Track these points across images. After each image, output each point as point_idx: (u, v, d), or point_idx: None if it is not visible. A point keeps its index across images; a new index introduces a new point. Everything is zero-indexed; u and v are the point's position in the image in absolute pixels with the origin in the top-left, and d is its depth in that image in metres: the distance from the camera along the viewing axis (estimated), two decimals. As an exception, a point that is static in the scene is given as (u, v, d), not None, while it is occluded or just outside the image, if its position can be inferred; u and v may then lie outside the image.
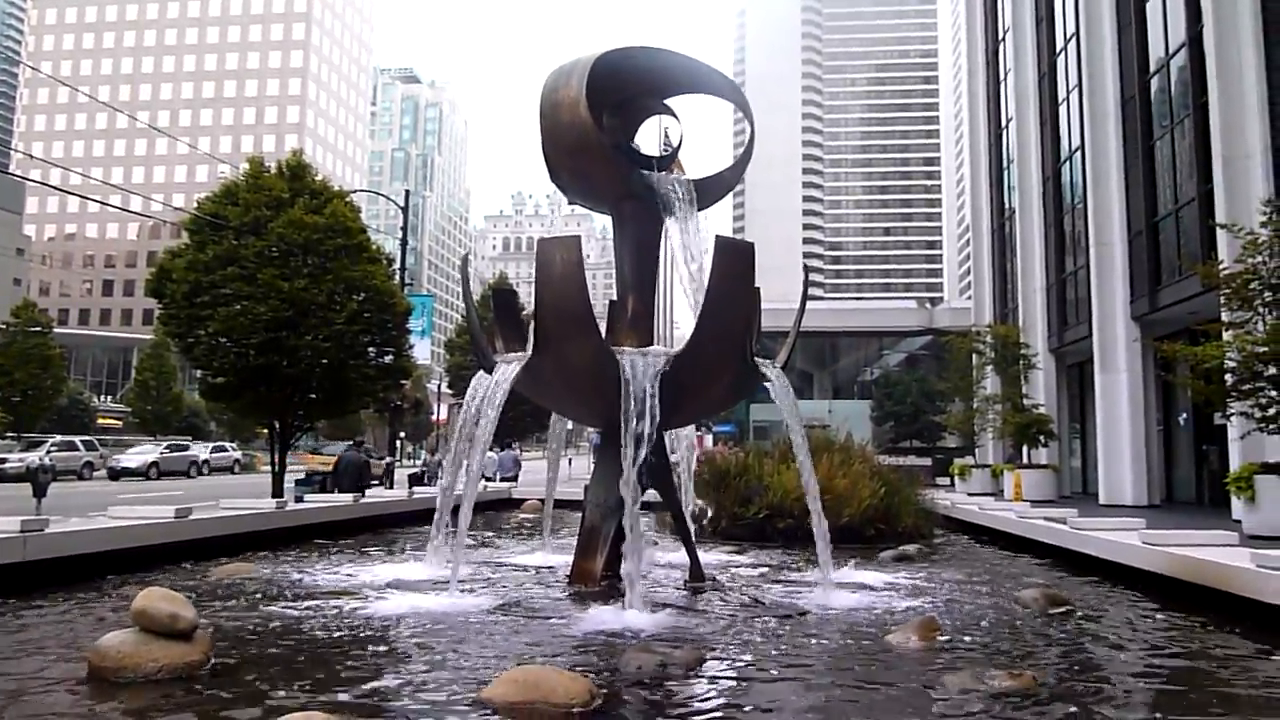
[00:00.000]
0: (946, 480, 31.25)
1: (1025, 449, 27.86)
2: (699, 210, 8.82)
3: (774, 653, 5.71)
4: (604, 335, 8.16)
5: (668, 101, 9.32)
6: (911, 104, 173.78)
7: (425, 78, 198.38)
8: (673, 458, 9.12)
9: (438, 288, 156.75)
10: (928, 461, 35.84)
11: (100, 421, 67.86)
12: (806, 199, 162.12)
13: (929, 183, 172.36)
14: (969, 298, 48.36)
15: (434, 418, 63.74)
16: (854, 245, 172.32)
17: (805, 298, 8.89)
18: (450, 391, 51.66)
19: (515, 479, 27.18)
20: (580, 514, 13.35)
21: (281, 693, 4.62)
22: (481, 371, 8.35)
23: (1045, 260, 30.34)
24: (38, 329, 48.01)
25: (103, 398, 75.98)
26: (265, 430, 29.48)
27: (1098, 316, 24.91)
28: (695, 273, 8.35)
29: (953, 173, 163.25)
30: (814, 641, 6.12)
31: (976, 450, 34.37)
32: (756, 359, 8.02)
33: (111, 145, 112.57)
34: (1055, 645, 6.10)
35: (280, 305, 20.97)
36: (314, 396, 22.91)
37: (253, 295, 21.01)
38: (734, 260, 7.55)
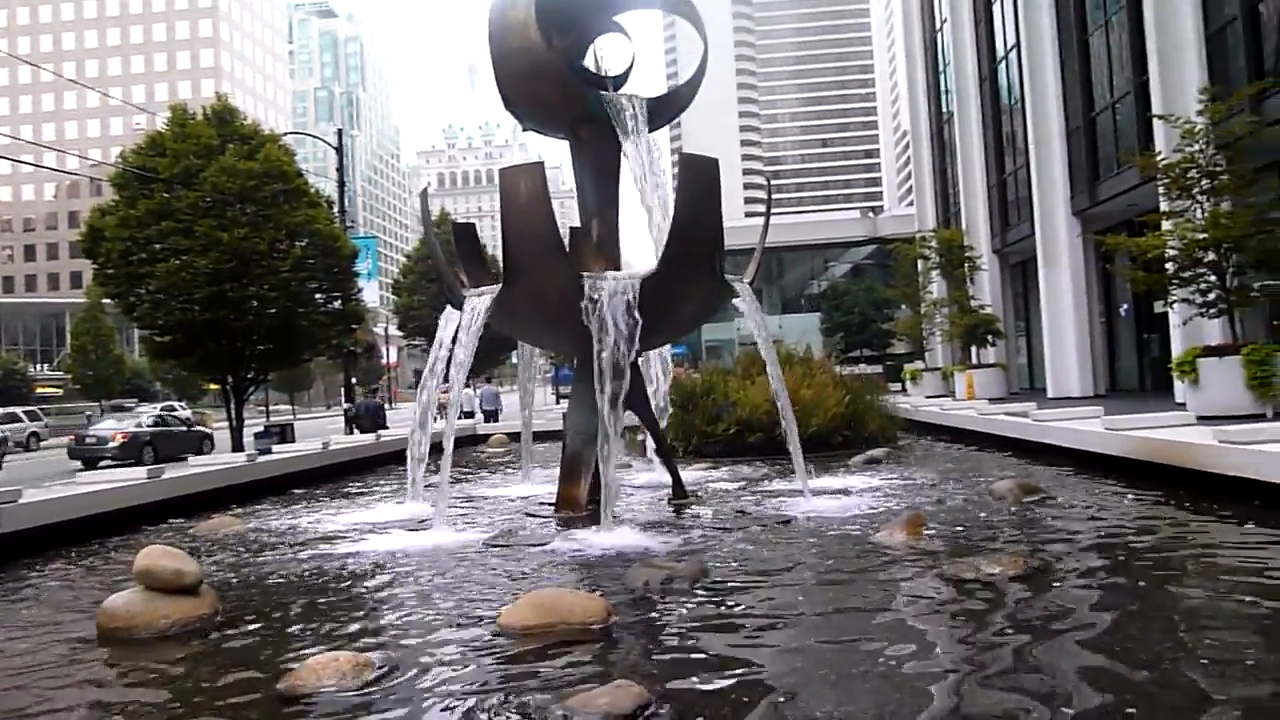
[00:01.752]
0: (898, 386, 31.89)
1: (974, 350, 28.52)
2: (654, 130, 8.72)
3: (770, 560, 5.87)
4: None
5: (617, 19, 9.14)
6: (844, 9, 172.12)
7: (341, 11, 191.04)
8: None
9: (374, 229, 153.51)
10: (879, 369, 36.48)
11: (39, 390, 66.02)
12: (743, 114, 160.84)
13: (864, 91, 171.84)
14: (910, 204, 48.77)
15: (384, 361, 63.02)
16: (792, 159, 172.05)
17: (769, 213, 8.90)
18: (400, 333, 51.01)
19: (497, 413, 27.32)
20: (552, 444, 13.46)
21: (295, 638, 4.64)
22: (450, 308, 8.28)
23: (985, 162, 30.64)
24: (-37, 300, 46.24)
25: (38, 366, 73.79)
26: (215, 386, 28.99)
27: (1039, 214, 25.32)
28: (653, 193, 8.31)
29: (887, 79, 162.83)
30: (806, 546, 6.29)
31: (926, 355, 35.08)
32: (726, 276, 8.06)
33: (16, 102, 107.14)
34: (1036, 530, 6.35)
35: (221, 257, 20.47)
36: (265, 348, 22.55)
37: (191, 248, 20.48)
38: (700, 176, 7.52)
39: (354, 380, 31.91)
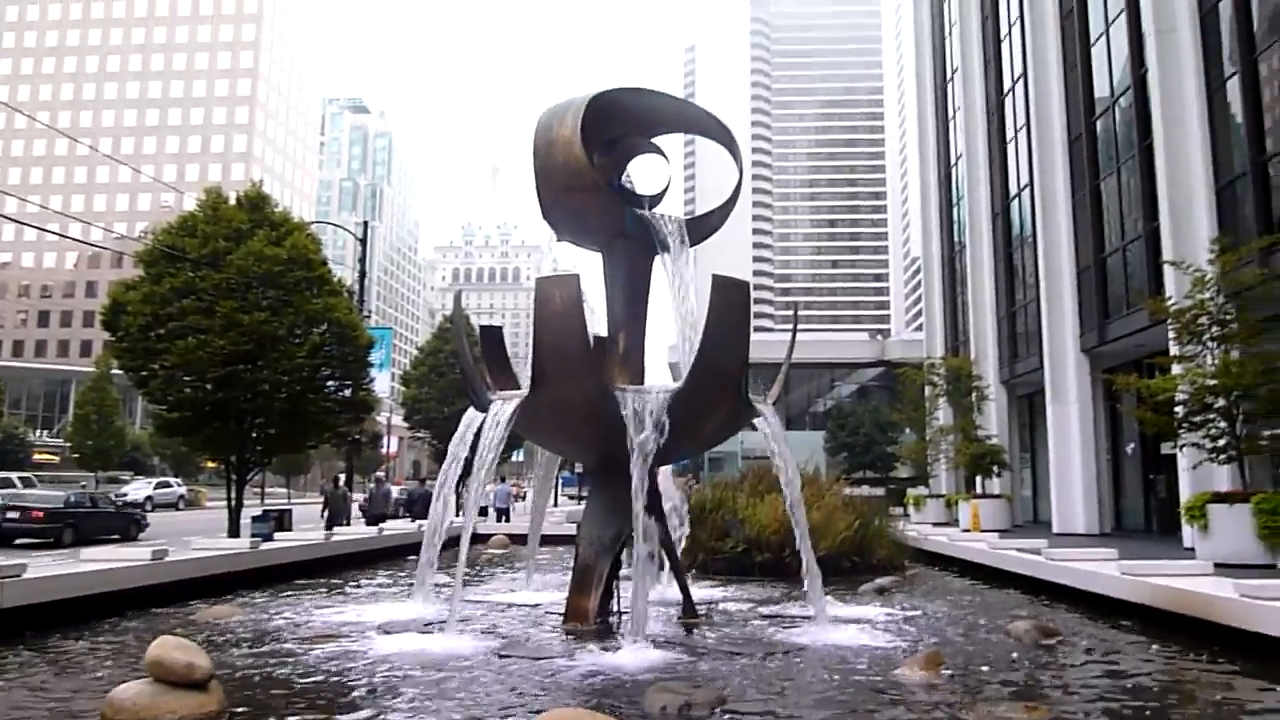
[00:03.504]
0: (900, 509, 31.59)
1: (979, 479, 28.34)
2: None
3: (788, 691, 5.75)
4: (596, 372, 8.17)
5: (655, 141, 9.46)
6: (858, 139, 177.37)
7: (374, 108, 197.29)
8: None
9: (388, 319, 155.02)
10: (881, 492, 36.22)
11: (36, 456, 65.70)
12: (756, 231, 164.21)
13: (876, 216, 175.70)
14: (918, 329, 49.22)
15: (385, 451, 62.69)
16: (802, 278, 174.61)
17: (795, 334, 9.02)
18: (405, 424, 50.89)
19: (509, 512, 27.30)
20: (553, 549, 13.30)
21: (305, 742, 4.53)
22: (472, 409, 8.33)
23: (996, 293, 31.06)
24: (-27, 361, 46.41)
25: (39, 432, 73.57)
26: (214, 465, 28.78)
27: (1048, 348, 25.55)
28: (686, 310, 8.45)
29: (899, 206, 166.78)
30: (823, 678, 6.16)
31: (930, 480, 34.84)
32: (751, 395, 8.12)
33: (49, 173, 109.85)
34: (1057, 677, 6.22)
35: (239, 338, 20.58)
36: (272, 432, 22.48)
37: (210, 328, 20.59)
38: (731, 297, 7.65)
39: (349, 469, 31.68)
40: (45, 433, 74.78)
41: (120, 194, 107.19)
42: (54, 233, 39.19)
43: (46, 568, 8.51)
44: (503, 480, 35.57)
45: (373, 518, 22.65)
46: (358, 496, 29.35)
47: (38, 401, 79.86)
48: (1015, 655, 6.89)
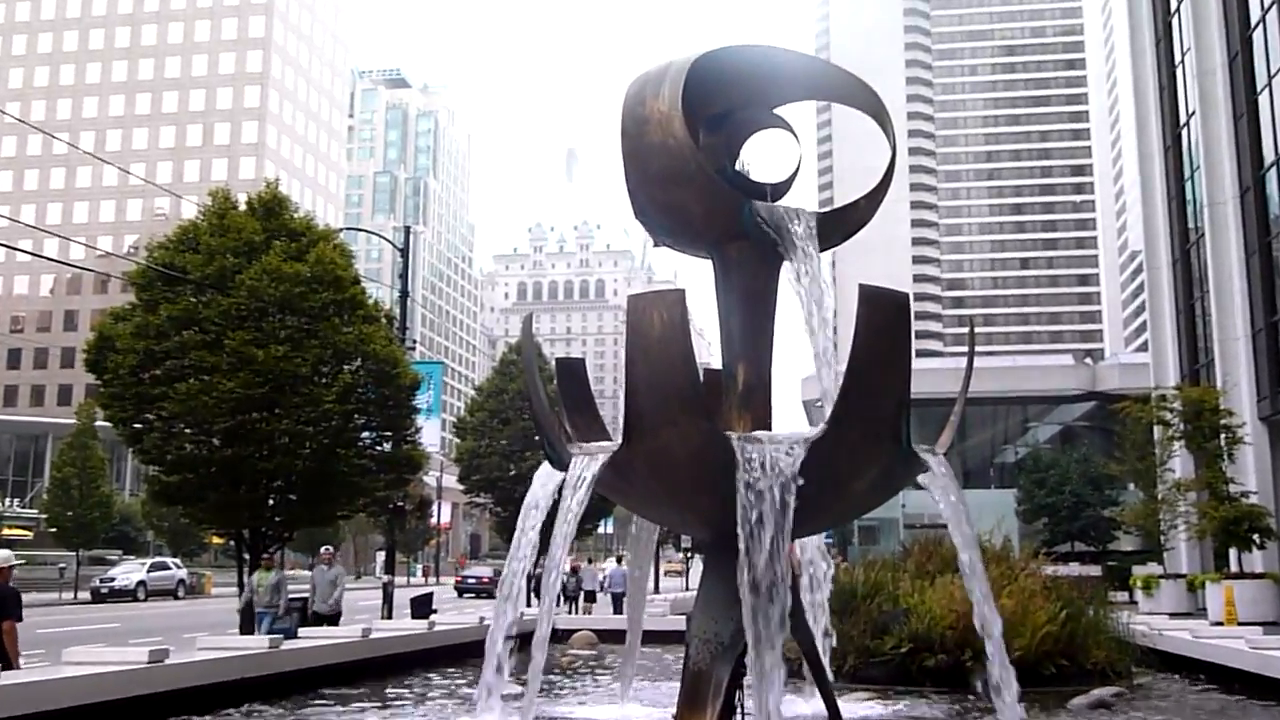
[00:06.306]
0: (1124, 595, 30.74)
1: (1234, 552, 27.33)
2: (822, 251, 8.93)
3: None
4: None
5: (779, 111, 9.52)
6: (1050, 96, 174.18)
7: (415, 81, 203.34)
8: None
9: (435, 351, 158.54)
10: (1096, 570, 35.33)
11: (6, 532, 68.98)
12: (915, 224, 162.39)
13: (1078, 199, 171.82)
14: (1141, 348, 47.88)
15: (434, 521, 63.77)
16: (980, 283, 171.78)
17: (972, 359, 8.92)
18: (460, 487, 51.80)
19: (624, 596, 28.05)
20: (655, 647, 13.38)
21: None
22: (547, 465, 8.47)
23: (1249, 297, 30.07)
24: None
25: (8, 501, 77.24)
26: (220, 541, 29.75)
27: (1328, 373, 24.60)
28: (826, 333, 8.46)
29: (1110, 185, 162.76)
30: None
31: (1165, 555, 33.78)
32: (914, 443, 8.04)
33: (20, 178, 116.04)
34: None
35: (252, 379, 21.40)
36: (294, 497, 23.21)
37: (218, 367, 21.48)
38: (885, 314, 7.62)
39: (390, 545, 32.19)
40: (16, 501, 78.51)
41: (105, 200, 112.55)
42: (26, 251, 41.28)
43: (19, 675, 8.97)
44: (619, 560, 36.22)
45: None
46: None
47: (7, 463, 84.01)
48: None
